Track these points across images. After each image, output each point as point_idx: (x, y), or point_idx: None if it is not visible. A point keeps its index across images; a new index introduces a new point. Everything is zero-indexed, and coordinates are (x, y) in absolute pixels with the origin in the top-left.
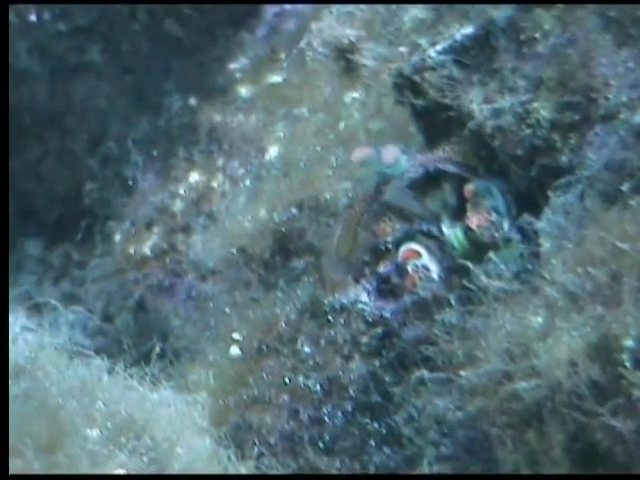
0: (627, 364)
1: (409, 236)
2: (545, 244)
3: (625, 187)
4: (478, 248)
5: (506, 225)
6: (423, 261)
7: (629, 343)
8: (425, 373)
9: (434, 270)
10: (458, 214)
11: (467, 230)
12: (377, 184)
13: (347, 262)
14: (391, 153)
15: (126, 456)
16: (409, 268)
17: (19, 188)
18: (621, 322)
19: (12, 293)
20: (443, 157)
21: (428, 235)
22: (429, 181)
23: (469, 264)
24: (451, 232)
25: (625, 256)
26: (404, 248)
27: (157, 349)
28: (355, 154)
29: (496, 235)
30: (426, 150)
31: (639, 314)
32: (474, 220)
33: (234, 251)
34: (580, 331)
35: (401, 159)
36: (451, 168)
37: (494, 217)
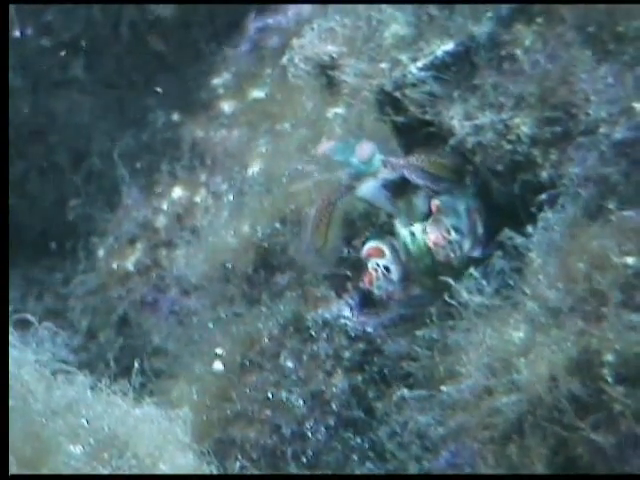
0: (608, 379)
1: (378, 235)
2: (527, 259)
3: (606, 202)
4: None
5: (467, 245)
6: (385, 261)
7: (610, 358)
8: (406, 390)
9: (394, 272)
10: (421, 218)
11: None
12: (349, 178)
13: (322, 253)
14: (366, 150)
15: (109, 472)
16: (369, 265)
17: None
18: (602, 337)
19: None
20: (415, 165)
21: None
22: (402, 185)
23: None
24: (406, 232)
25: (606, 271)
26: (369, 245)
27: (140, 365)
28: (321, 147)
29: (451, 255)
30: (401, 155)
31: (620, 329)
32: (432, 237)
33: (217, 266)
34: (561, 346)
35: (375, 157)
36: (418, 180)
37: (453, 236)
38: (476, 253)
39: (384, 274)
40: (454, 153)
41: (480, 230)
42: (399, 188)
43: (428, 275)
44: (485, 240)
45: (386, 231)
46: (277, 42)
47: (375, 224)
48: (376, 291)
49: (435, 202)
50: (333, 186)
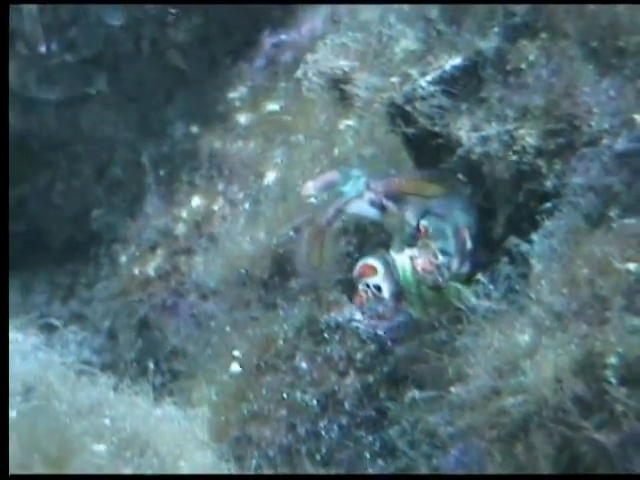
0: (611, 380)
1: (371, 250)
2: (532, 265)
3: (608, 210)
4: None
5: (455, 264)
6: (376, 280)
7: (613, 360)
8: (416, 391)
9: (386, 289)
10: (413, 240)
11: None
12: (338, 203)
13: (319, 272)
14: (326, 178)
15: (131, 470)
16: (359, 287)
17: (29, 211)
18: (605, 340)
19: (24, 312)
20: (393, 189)
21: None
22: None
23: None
24: (398, 258)
25: (608, 276)
26: (361, 262)
27: (157, 366)
28: (305, 189)
29: (439, 279)
30: (388, 177)
31: (623, 332)
32: (420, 262)
33: (234, 272)
34: (565, 349)
35: (360, 180)
36: (394, 208)
37: (441, 260)
38: (465, 269)
39: (374, 294)
40: (441, 170)
41: (469, 246)
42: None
43: (418, 302)
44: (475, 253)
45: (381, 244)
46: (291, 57)
47: (370, 240)
48: (367, 312)
49: (423, 223)
50: (323, 212)
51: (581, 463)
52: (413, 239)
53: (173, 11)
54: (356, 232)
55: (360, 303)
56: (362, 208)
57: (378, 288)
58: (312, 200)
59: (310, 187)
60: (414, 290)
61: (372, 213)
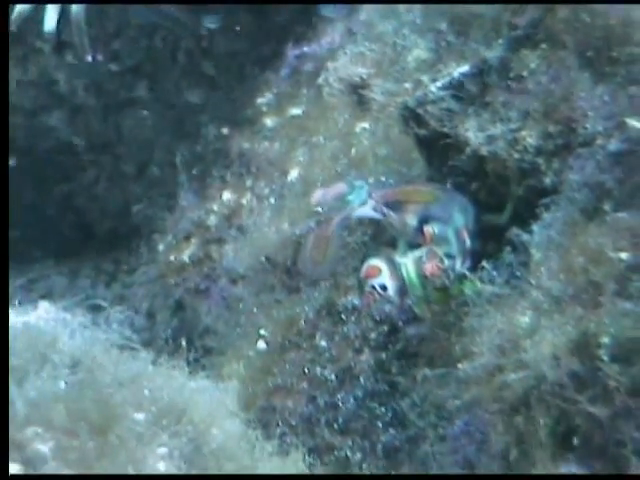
0: (604, 358)
1: (375, 252)
2: (532, 254)
3: (602, 205)
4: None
5: (458, 264)
6: (381, 279)
7: (606, 340)
8: (426, 368)
9: (391, 287)
10: (415, 242)
11: (418, 264)
12: (343, 212)
13: (320, 268)
14: (337, 189)
15: (168, 436)
16: (366, 288)
17: (77, 205)
18: (599, 322)
19: (71, 295)
20: (393, 199)
21: (393, 245)
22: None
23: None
24: (402, 261)
25: (602, 264)
26: (367, 264)
27: (194, 343)
28: (314, 197)
29: (446, 282)
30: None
31: (615, 315)
32: (428, 268)
33: (261, 259)
34: (562, 329)
35: (363, 189)
36: (393, 218)
37: (446, 263)
38: (466, 266)
39: (380, 294)
40: (469, 162)
41: (468, 245)
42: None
43: (423, 302)
44: (473, 249)
45: (385, 244)
46: (312, 67)
47: (376, 238)
48: (374, 313)
49: (429, 230)
50: (329, 218)
51: (576, 433)
52: (416, 241)
53: (212, 26)
54: (368, 227)
55: (367, 305)
56: (367, 212)
57: (383, 287)
58: (319, 209)
59: (319, 196)
60: (419, 292)
61: (376, 216)
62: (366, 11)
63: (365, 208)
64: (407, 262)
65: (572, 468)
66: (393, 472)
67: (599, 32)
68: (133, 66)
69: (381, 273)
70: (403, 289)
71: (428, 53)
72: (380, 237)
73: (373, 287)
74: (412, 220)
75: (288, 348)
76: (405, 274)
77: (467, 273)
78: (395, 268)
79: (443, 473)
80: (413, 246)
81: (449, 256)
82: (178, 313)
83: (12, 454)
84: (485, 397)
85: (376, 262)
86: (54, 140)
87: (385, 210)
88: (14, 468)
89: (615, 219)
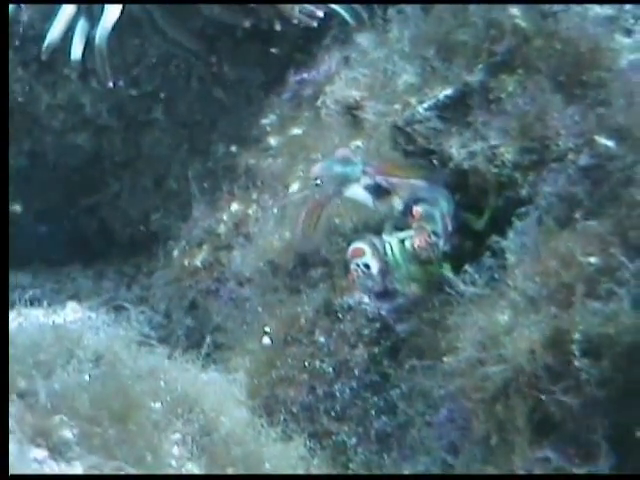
0: (576, 353)
1: (360, 236)
2: (510, 258)
3: (573, 214)
4: (414, 262)
5: (441, 243)
6: (365, 259)
7: (577, 336)
8: (414, 360)
9: (374, 266)
10: (401, 224)
11: (403, 244)
12: (336, 184)
13: (310, 240)
14: (341, 152)
15: (182, 423)
16: (351, 266)
17: (101, 215)
18: (570, 320)
19: (95, 296)
20: (385, 172)
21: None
22: (382, 189)
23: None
24: (388, 240)
25: (573, 268)
26: (352, 246)
27: (205, 339)
28: (313, 169)
29: (432, 255)
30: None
31: (585, 314)
32: (417, 240)
33: (265, 263)
34: (538, 327)
35: (357, 166)
36: (389, 185)
37: (433, 240)
38: (446, 248)
39: (364, 272)
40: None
41: (449, 229)
42: (380, 192)
43: (405, 278)
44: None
45: (372, 230)
46: (311, 91)
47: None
48: (359, 288)
49: (417, 210)
50: (322, 192)
51: (550, 420)
52: (402, 223)
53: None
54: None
55: (352, 281)
56: (357, 193)
57: (367, 266)
58: (318, 182)
59: (318, 169)
60: (402, 269)
61: (366, 198)
62: (360, 39)
63: (356, 188)
64: (392, 241)
65: (547, 452)
66: (385, 455)
67: (570, 58)
68: (151, 91)
69: (365, 254)
70: (385, 269)
71: (416, 78)
72: (367, 224)
73: (357, 265)
74: (400, 203)
75: (290, 343)
76: (390, 252)
77: (447, 251)
78: (377, 250)
79: (430, 457)
80: (399, 228)
81: (435, 234)
82: (191, 312)
83: (39, 440)
84: (468, 388)
85: (360, 244)
86: (81, 157)
87: (379, 179)
88: (41, 453)
89: (585, 227)
